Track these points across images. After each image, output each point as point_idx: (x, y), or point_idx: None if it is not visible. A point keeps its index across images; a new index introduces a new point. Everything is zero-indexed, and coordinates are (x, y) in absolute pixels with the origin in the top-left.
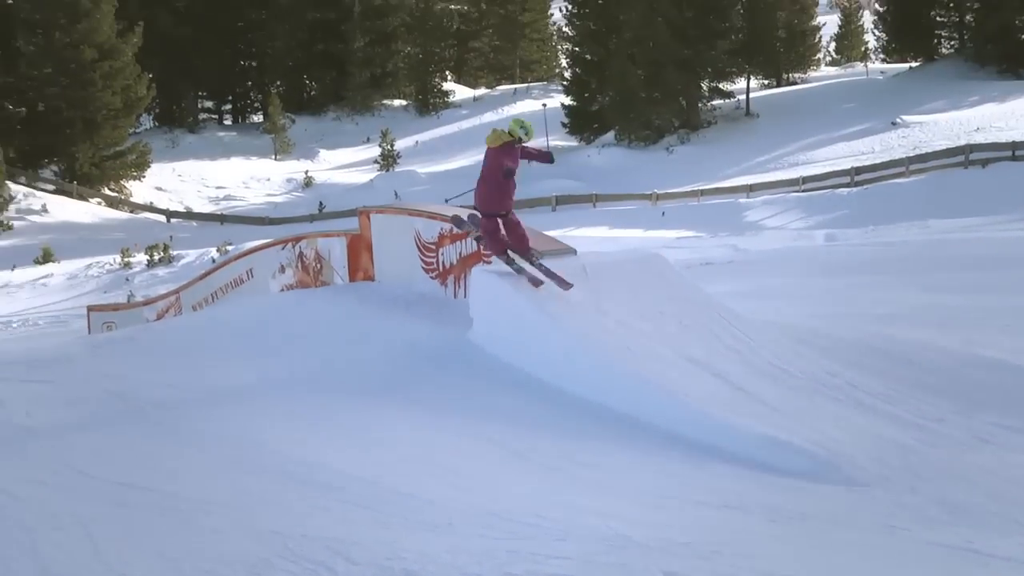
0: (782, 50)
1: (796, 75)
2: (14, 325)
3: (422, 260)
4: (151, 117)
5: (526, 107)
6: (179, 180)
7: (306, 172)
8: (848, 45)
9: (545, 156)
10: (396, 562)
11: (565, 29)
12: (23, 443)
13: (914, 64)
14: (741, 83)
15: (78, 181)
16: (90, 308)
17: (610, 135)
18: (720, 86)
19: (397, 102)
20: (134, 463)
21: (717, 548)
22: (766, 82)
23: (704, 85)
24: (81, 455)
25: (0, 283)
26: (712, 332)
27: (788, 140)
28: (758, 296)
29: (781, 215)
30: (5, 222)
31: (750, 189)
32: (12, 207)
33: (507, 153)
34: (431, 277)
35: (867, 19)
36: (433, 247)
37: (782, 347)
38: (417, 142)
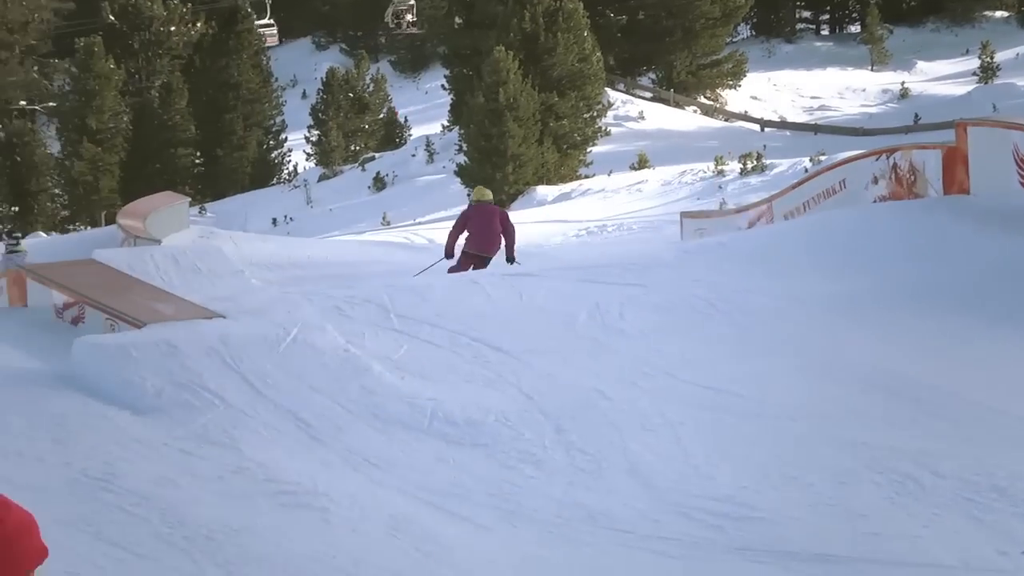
0: None
1: None
2: (609, 229)
3: (1019, 174)
4: (748, 27)
5: None
6: (774, 89)
7: (902, 83)
8: None
9: None
10: (984, 478)
11: None
12: (616, 344)
13: None
14: None
15: (674, 89)
16: (683, 214)
17: None
18: None
19: (999, 13)
20: (722, 368)
21: None
22: None
23: None
24: (670, 358)
25: (597, 188)
26: None
27: None
28: None
29: None
30: (604, 128)
31: None
32: (610, 114)
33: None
34: None
35: None
36: None
37: None
38: (1018, 54)
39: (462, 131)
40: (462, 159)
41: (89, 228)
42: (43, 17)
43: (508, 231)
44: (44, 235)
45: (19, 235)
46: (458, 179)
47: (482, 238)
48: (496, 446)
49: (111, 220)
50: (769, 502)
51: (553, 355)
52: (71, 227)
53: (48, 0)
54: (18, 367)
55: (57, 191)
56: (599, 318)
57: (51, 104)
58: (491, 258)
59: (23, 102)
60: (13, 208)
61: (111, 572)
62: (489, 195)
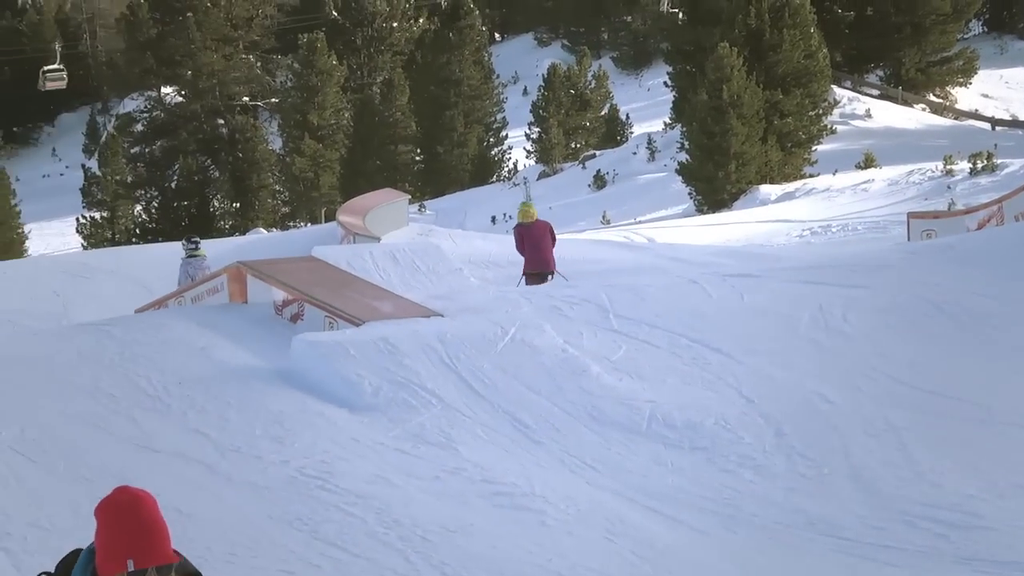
0: None
1: None
2: (833, 230)
3: None
4: (980, 23)
5: None
6: (1006, 87)
7: None
8: None
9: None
10: None
11: None
12: (839, 347)
13: None
14: None
15: (903, 86)
16: (910, 215)
17: None
18: None
19: None
20: (948, 373)
21: None
22: None
23: None
24: (894, 362)
25: (822, 187)
26: None
27: None
28: None
29: None
30: (829, 126)
31: None
32: (836, 111)
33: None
34: None
35: None
36: None
37: None
38: None
39: (684, 129)
40: (684, 157)
41: (309, 224)
42: (267, 13)
43: (552, 243)
44: (264, 231)
45: (197, 239)
46: (679, 177)
47: (536, 256)
48: (715, 450)
49: (331, 217)
50: (997, 511)
51: (774, 357)
52: (291, 223)
53: None
54: (238, 363)
55: (278, 187)
56: (822, 320)
57: (273, 100)
58: (549, 273)
59: (246, 98)
60: (234, 204)
61: (327, 571)
62: (533, 214)
